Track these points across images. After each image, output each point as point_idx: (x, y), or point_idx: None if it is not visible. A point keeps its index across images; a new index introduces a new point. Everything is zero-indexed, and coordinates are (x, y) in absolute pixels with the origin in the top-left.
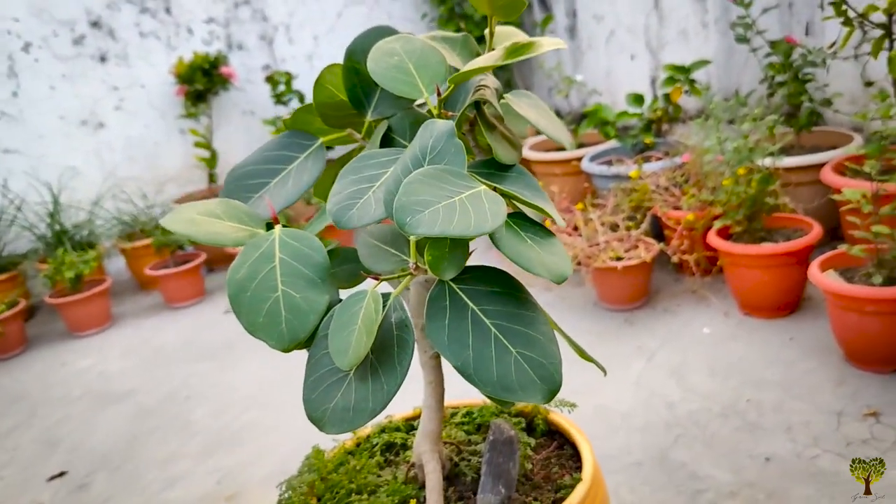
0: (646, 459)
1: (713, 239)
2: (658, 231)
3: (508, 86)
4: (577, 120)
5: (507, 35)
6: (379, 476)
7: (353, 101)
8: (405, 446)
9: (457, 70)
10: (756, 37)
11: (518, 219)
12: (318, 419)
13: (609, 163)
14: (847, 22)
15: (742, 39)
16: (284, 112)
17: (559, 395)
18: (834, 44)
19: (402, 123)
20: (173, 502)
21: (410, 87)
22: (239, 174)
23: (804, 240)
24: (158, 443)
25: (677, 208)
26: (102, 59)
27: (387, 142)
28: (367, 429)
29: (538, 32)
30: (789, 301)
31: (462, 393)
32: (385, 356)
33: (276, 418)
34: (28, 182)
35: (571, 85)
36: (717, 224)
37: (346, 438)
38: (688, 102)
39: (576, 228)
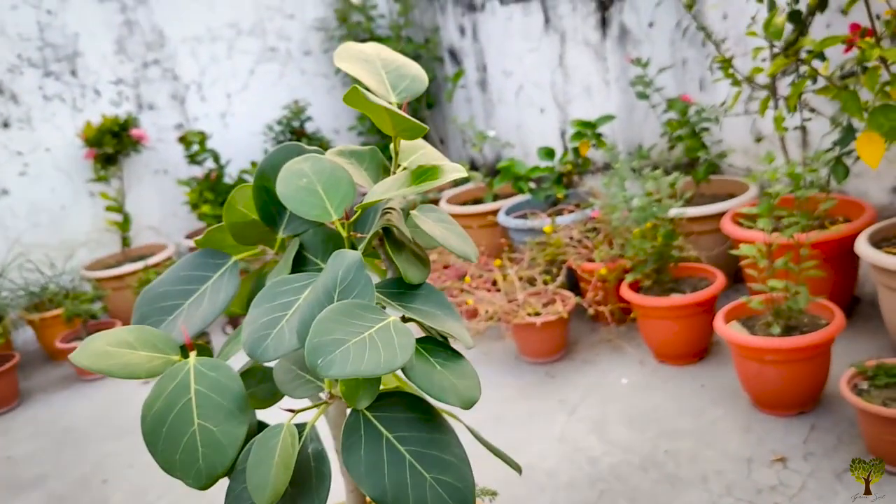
0: None
1: (625, 292)
2: (573, 282)
3: (425, 139)
4: (491, 173)
5: (412, 148)
6: None
7: (265, 220)
8: None
9: (365, 189)
10: (655, 94)
11: (428, 343)
12: None
13: (524, 216)
14: (735, 83)
15: (642, 96)
16: (199, 172)
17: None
18: (724, 102)
19: (315, 240)
20: None
21: (320, 211)
22: (151, 296)
23: (709, 290)
24: None
25: (591, 260)
26: (5, 124)
27: (299, 258)
28: None
29: (450, 86)
30: (699, 348)
31: None
32: (304, 489)
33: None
34: None
35: (484, 140)
36: (629, 278)
37: None
38: (595, 155)
39: (494, 284)
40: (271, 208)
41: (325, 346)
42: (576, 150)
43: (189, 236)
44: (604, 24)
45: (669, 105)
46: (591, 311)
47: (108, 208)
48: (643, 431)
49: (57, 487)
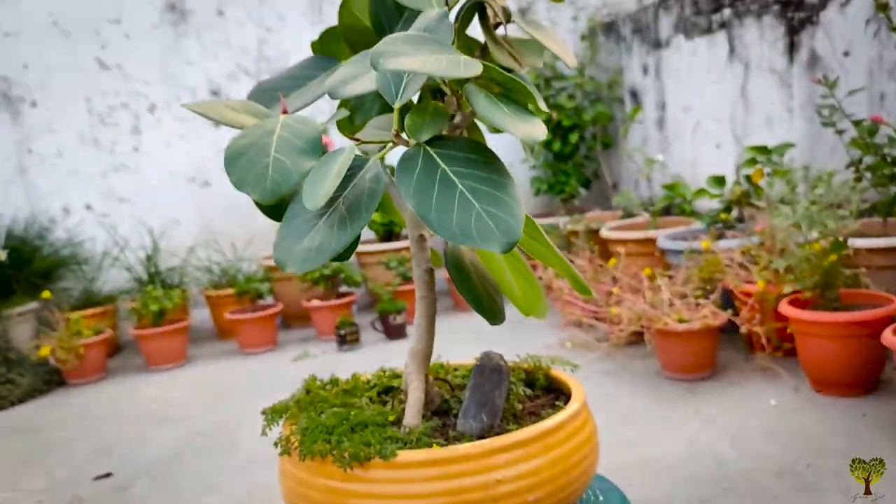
0: None
1: (784, 307)
2: (729, 306)
3: (596, 176)
4: (661, 213)
5: None
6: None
7: (376, 27)
8: (401, 390)
9: None
10: (843, 121)
11: (502, 97)
12: (281, 260)
13: (685, 240)
14: None
15: (827, 123)
16: None
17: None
18: None
19: None
20: None
21: (425, 2)
22: (265, 87)
23: (880, 310)
24: (203, 458)
25: (750, 283)
26: (217, 124)
27: None
28: (367, 375)
29: (627, 123)
30: (864, 378)
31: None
32: (355, 207)
33: None
34: (134, 228)
35: (652, 165)
36: (788, 288)
37: (344, 380)
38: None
39: (644, 299)
40: (383, 17)
41: (390, 51)
42: (748, 178)
43: None
44: (791, 48)
45: (856, 125)
46: (744, 329)
47: None
48: (785, 445)
49: (199, 424)
